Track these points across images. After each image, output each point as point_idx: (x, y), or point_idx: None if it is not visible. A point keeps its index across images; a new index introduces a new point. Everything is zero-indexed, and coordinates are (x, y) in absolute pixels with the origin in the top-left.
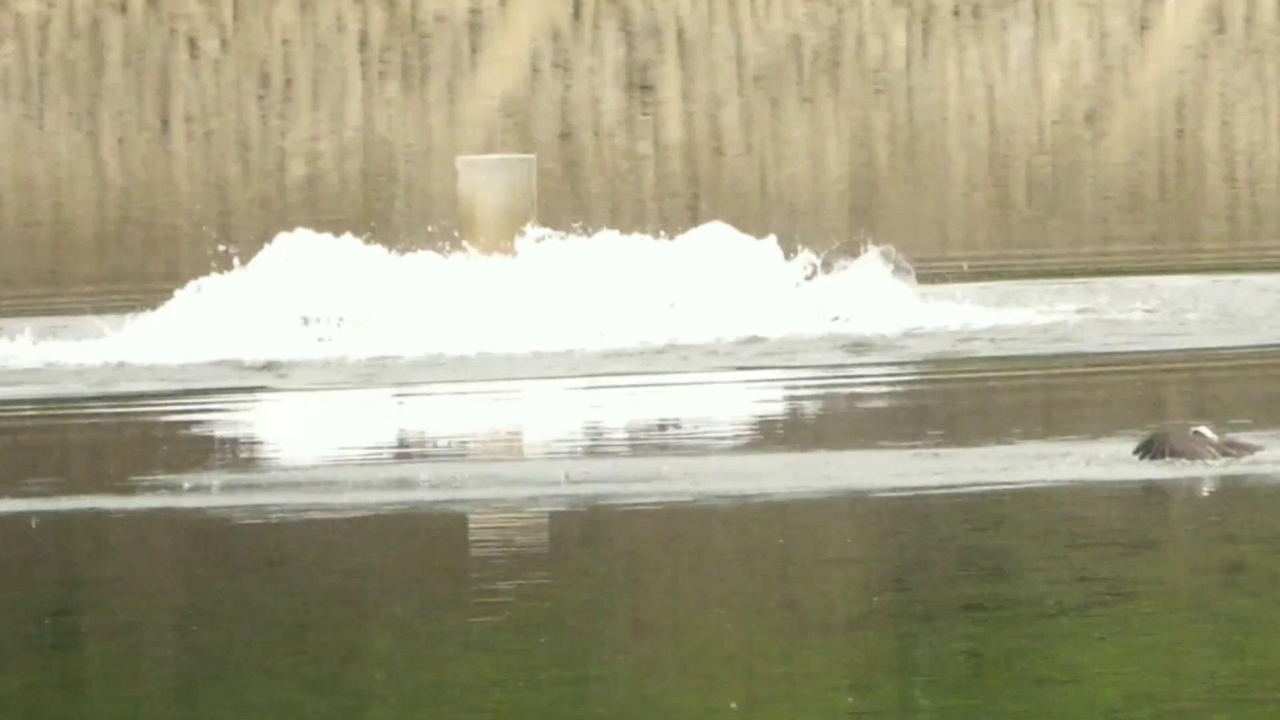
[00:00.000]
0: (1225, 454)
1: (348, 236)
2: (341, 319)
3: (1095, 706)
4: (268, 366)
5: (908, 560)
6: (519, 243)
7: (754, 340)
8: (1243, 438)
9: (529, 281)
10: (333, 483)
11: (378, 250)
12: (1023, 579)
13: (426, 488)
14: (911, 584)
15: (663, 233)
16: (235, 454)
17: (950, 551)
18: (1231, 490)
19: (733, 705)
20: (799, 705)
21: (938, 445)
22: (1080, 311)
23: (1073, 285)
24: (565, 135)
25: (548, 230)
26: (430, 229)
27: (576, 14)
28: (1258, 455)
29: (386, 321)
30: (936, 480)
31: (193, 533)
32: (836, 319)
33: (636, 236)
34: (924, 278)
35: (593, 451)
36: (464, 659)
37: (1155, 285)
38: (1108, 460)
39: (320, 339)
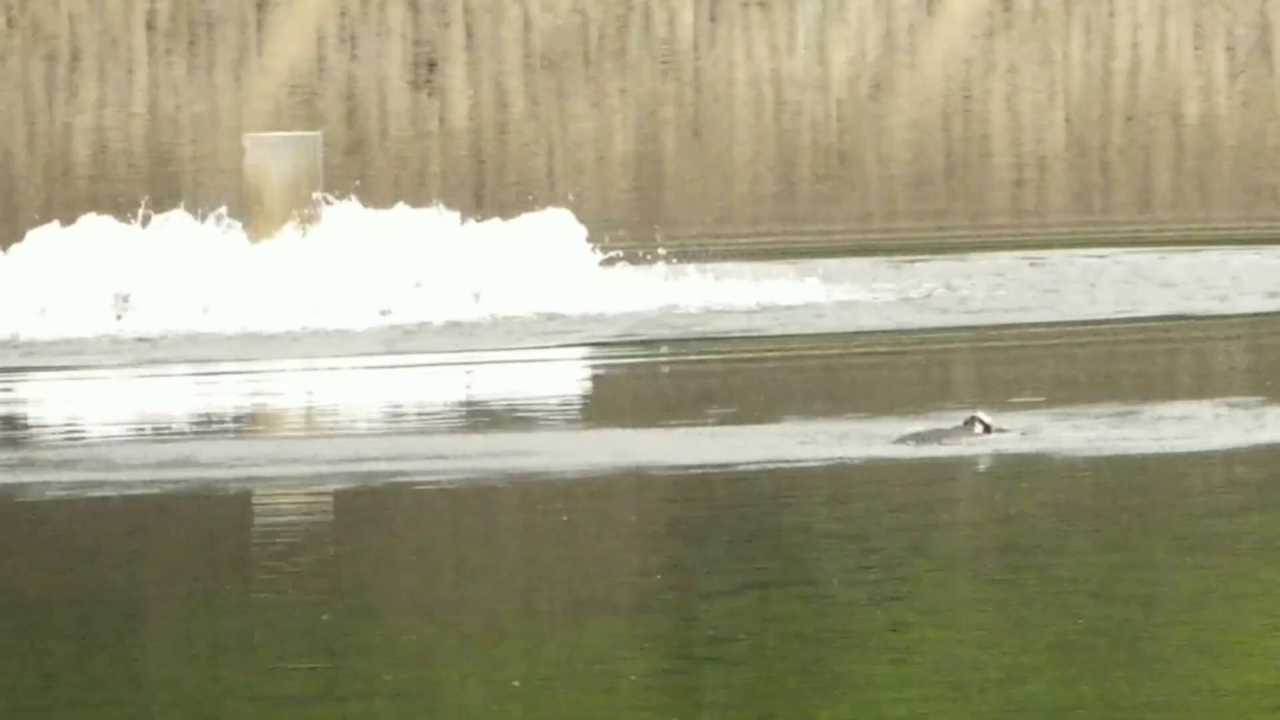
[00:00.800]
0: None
1: (134, 213)
2: (127, 297)
3: (877, 677)
4: (56, 344)
5: (693, 538)
6: (310, 219)
7: (552, 318)
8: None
9: (317, 258)
10: (112, 461)
11: (163, 227)
12: (806, 556)
13: (209, 466)
14: (696, 562)
15: (454, 209)
16: (13, 432)
17: (736, 529)
18: (1013, 466)
19: (515, 684)
20: (581, 684)
21: (725, 423)
22: (868, 289)
23: (859, 262)
24: (351, 113)
25: (339, 205)
26: (217, 206)
27: None
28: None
29: (172, 299)
30: (723, 458)
31: None
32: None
33: (433, 212)
34: (711, 256)
35: (382, 430)
36: (243, 636)
37: (941, 262)
38: (887, 438)
39: (115, 316)
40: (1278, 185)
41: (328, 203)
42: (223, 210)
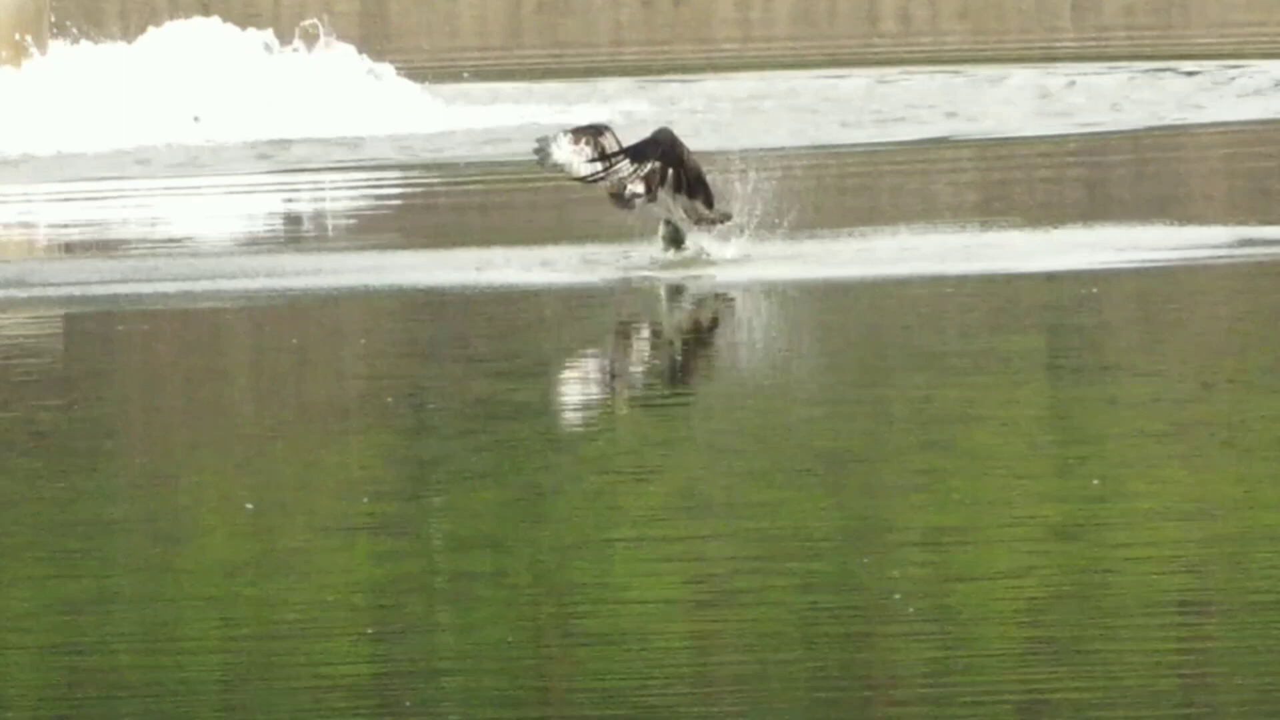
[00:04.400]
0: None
1: None
2: None
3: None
4: None
5: (422, 357)
6: (44, 49)
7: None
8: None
9: (50, 85)
10: None
11: None
12: (544, 377)
13: None
14: (428, 382)
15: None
16: None
17: (468, 350)
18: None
19: (249, 507)
20: (315, 507)
21: (425, 247)
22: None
23: (589, 85)
24: None
25: (68, 34)
26: None
27: None
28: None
29: None
30: (452, 279)
31: None
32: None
33: (159, 31)
34: (435, 77)
35: (131, 253)
36: None
37: (668, 83)
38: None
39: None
40: (1002, 9)
41: (55, 33)
42: None
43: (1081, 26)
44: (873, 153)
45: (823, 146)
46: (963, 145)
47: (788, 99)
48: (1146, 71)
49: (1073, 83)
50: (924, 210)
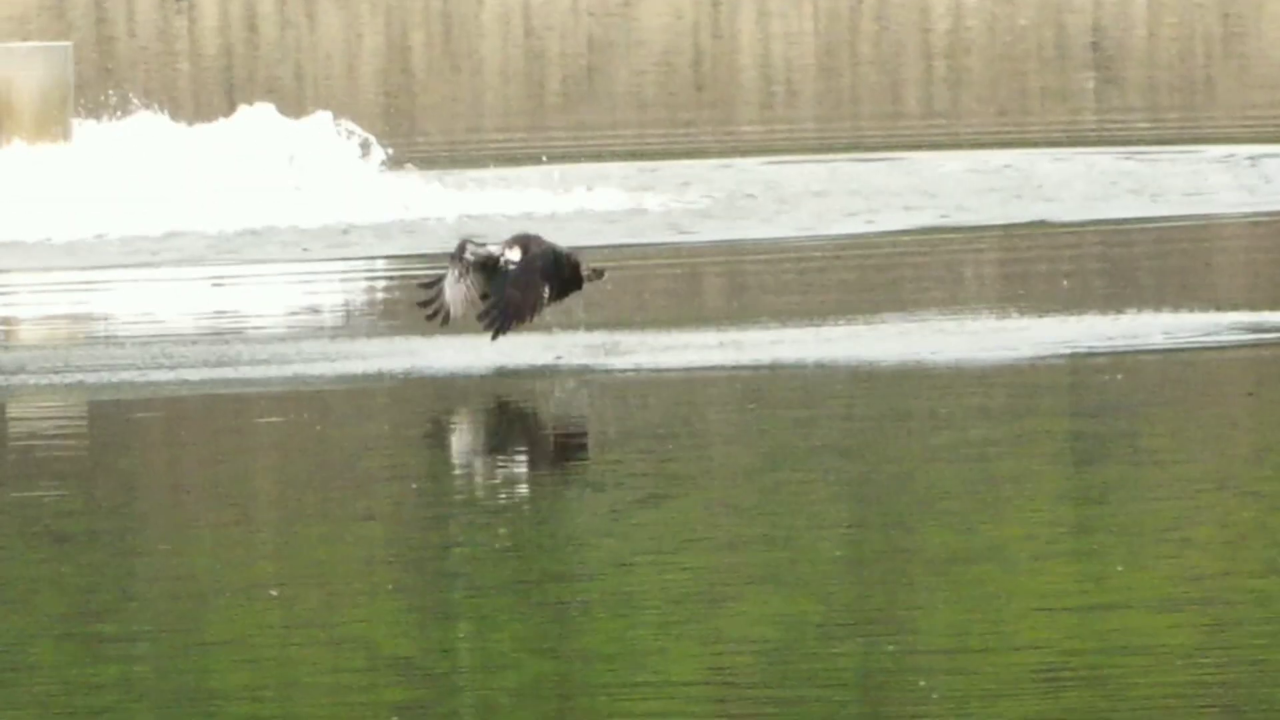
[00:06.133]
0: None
1: None
2: None
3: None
4: None
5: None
6: (67, 130)
7: (323, 231)
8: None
9: (73, 168)
10: None
11: None
12: (549, 459)
13: None
14: (440, 467)
15: (199, 119)
16: None
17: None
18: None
19: (273, 593)
20: (337, 589)
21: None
22: (624, 196)
23: (610, 169)
24: (101, 22)
25: (91, 117)
26: None
27: None
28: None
29: None
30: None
31: None
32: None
33: (183, 122)
34: (457, 163)
35: (147, 338)
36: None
37: (692, 169)
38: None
39: None
40: (1025, 91)
41: (81, 115)
42: None
43: (1104, 108)
44: (929, 238)
45: (885, 233)
46: (1053, 228)
47: (849, 182)
48: (1177, 155)
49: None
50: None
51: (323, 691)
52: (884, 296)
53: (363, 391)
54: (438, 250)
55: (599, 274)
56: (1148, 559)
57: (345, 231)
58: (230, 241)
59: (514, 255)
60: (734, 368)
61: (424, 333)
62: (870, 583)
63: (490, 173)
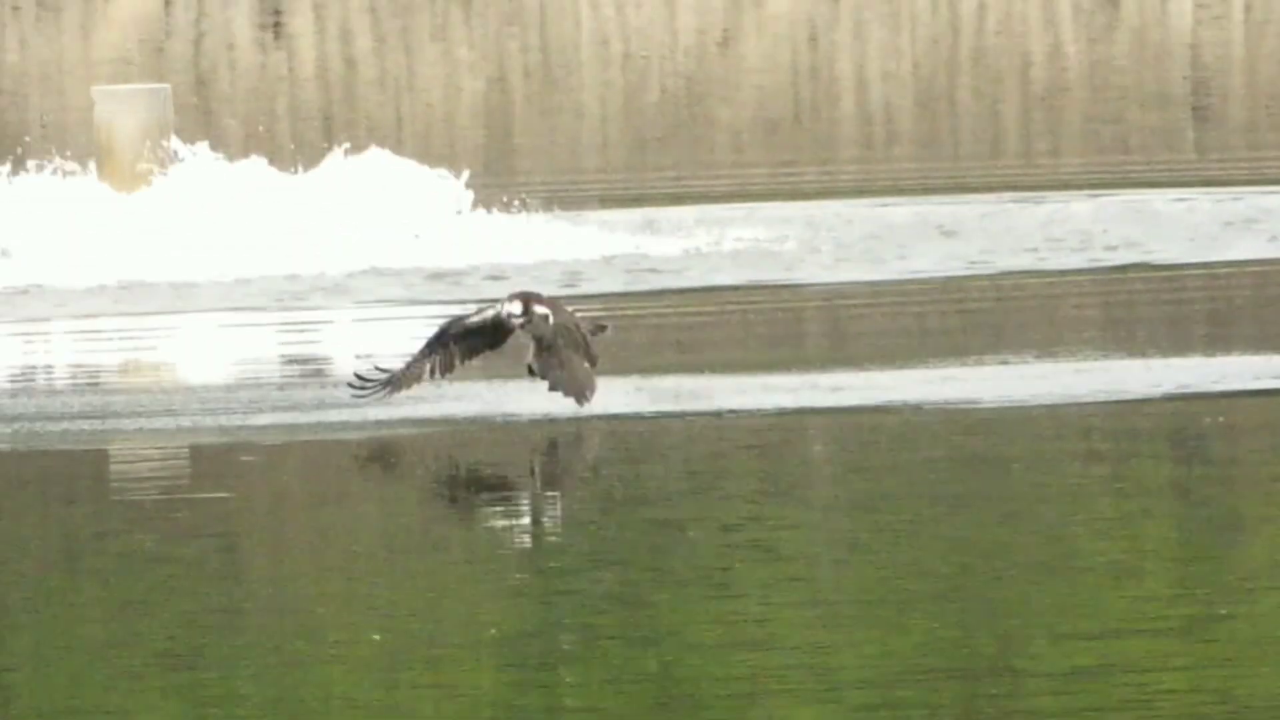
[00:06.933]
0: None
1: None
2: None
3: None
4: None
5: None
6: (159, 170)
7: (418, 272)
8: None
9: (172, 210)
10: None
11: (16, 182)
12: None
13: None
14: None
15: (299, 162)
16: None
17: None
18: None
19: (375, 638)
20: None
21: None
22: (717, 239)
23: (710, 210)
24: (199, 64)
25: (190, 156)
26: (66, 159)
27: None
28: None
29: (31, 252)
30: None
31: None
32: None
33: (282, 163)
34: (558, 204)
35: (242, 382)
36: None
37: (791, 210)
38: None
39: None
40: (1125, 133)
41: (178, 156)
42: (73, 164)
43: (1204, 147)
44: (1036, 279)
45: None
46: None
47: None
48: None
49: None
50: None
51: None
52: (983, 338)
53: (463, 434)
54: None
55: (601, 329)
56: (1260, 608)
57: (443, 274)
58: (330, 284)
59: (515, 309)
60: (832, 410)
61: (520, 376)
62: (971, 626)
63: (590, 214)
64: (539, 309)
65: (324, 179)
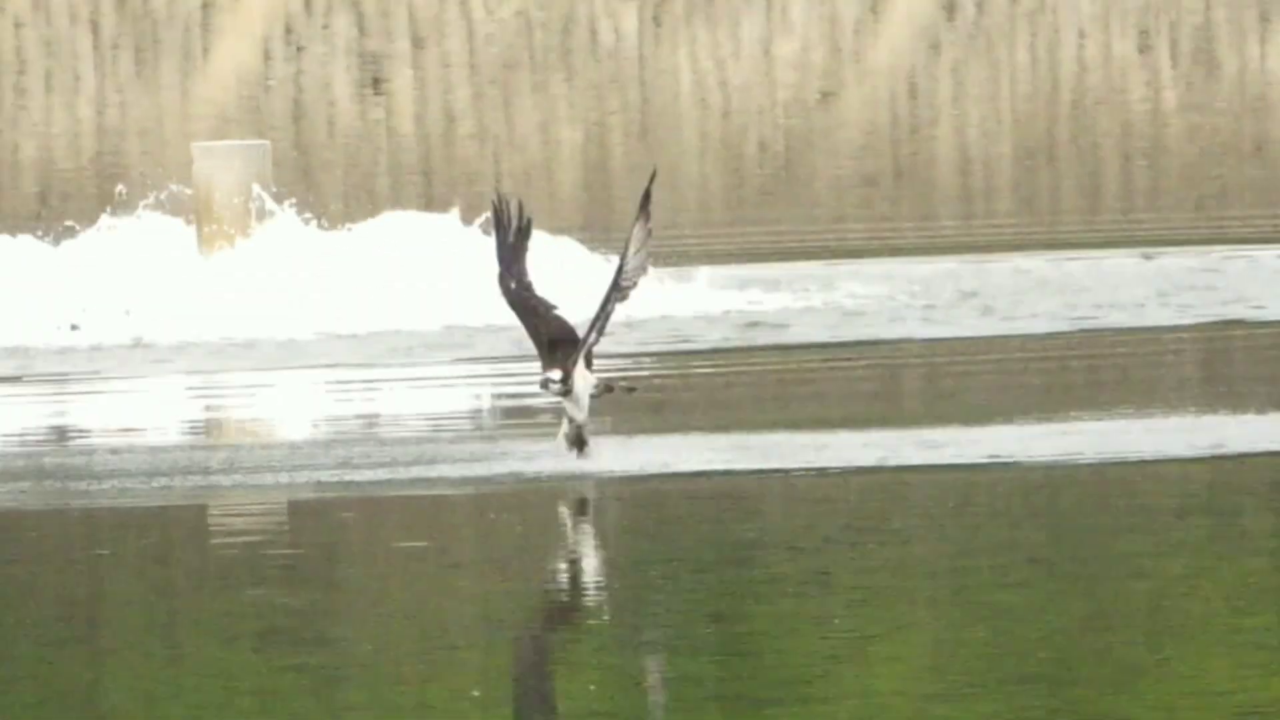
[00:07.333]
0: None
1: (83, 225)
2: (85, 309)
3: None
4: (13, 352)
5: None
6: (257, 227)
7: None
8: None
9: (269, 266)
10: (74, 470)
11: (114, 237)
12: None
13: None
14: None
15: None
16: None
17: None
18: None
19: (475, 694)
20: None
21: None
22: (812, 295)
23: (807, 267)
24: (298, 120)
25: (288, 213)
26: (166, 214)
27: None
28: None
29: (128, 309)
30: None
31: None
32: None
33: (381, 221)
34: (656, 260)
35: (346, 438)
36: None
37: (891, 266)
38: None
39: (72, 327)
40: (1225, 188)
41: (274, 213)
42: (172, 219)
43: None
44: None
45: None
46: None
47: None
48: None
49: None
50: None
51: None
52: (1082, 394)
53: (557, 491)
54: (643, 349)
55: (630, 390)
56: None
57: None
58: (433, 339)
59: (555, 376)
60: (933, 466)
61: (627, 433)
62: (1074, 683)
63: (692, 270)
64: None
65: (428, 233)
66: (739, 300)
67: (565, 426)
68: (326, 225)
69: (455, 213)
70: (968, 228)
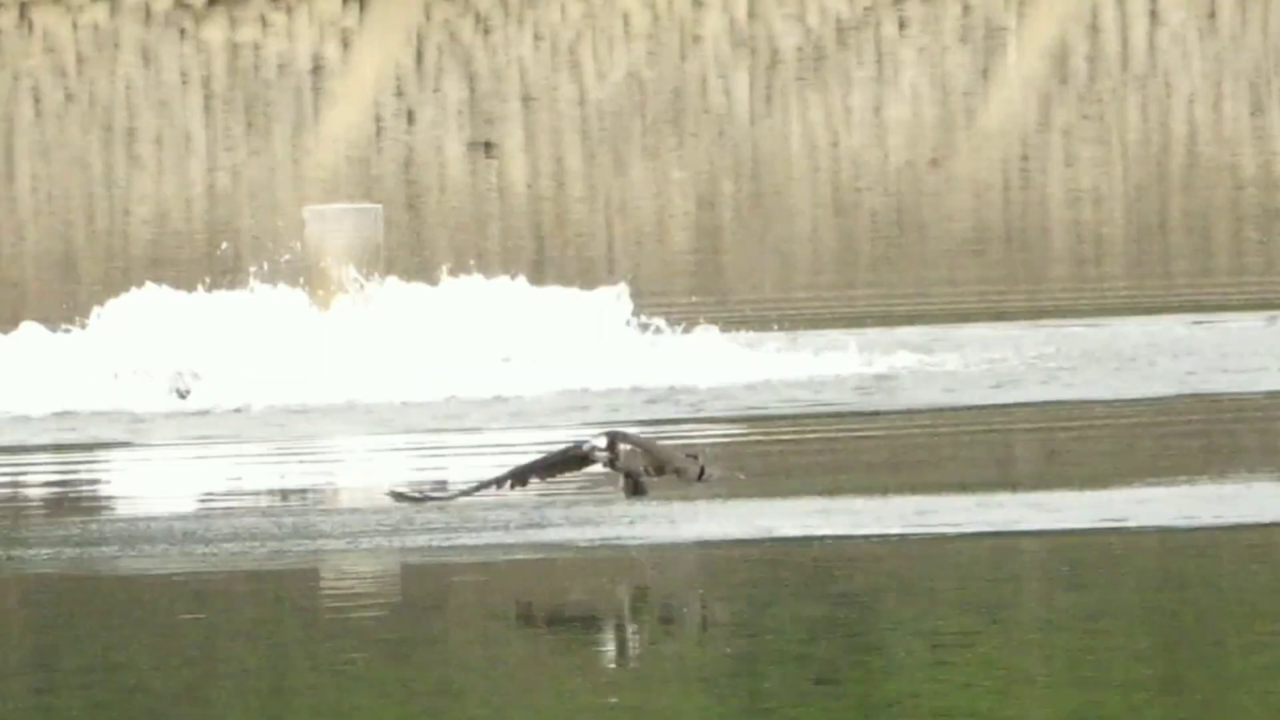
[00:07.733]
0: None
1: (194, 289)
2: (196, 374)
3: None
4: (121, 416)
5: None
6: (369, 291)
7: (581, 393)
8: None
9: (381, 331)
10: (178, 535)
11: (225, 300)
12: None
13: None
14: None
15: (510, 280)
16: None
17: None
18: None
19: None
20: None
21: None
22: (925, 360)
23: (918, 331)
24: (409, 183)
25: (400, 277)
26: (277, 278)
27: (419, 60)
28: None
29: (235, 374)
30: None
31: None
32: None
33: (493, 284)
34: (768, 324)
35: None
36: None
37: (1000, 330)
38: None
39: (178, 393)
40: None
41: (383, 277)
42: (283, 283)
43: None
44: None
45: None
46: None
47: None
48: None
49: None
50: None
51: None
52: (1197, 459)
53: (668, 557)
54: (756, 413)
55: (702, 471)
56: None
57: (657, 396)
58: (531, 405)
59: (600, 443)
60: (1046, 532)
61: (727, 497)
62: None
63: (801, 335)
64: (624, 446)
65: (528, 297)
66: (853, 363)
67: (621, 481)
68: (436, 287)
69: (576, 285)
70: (1079, 291)
